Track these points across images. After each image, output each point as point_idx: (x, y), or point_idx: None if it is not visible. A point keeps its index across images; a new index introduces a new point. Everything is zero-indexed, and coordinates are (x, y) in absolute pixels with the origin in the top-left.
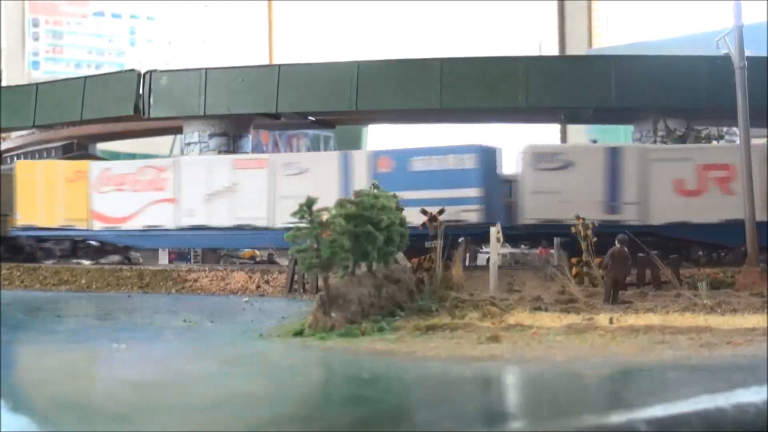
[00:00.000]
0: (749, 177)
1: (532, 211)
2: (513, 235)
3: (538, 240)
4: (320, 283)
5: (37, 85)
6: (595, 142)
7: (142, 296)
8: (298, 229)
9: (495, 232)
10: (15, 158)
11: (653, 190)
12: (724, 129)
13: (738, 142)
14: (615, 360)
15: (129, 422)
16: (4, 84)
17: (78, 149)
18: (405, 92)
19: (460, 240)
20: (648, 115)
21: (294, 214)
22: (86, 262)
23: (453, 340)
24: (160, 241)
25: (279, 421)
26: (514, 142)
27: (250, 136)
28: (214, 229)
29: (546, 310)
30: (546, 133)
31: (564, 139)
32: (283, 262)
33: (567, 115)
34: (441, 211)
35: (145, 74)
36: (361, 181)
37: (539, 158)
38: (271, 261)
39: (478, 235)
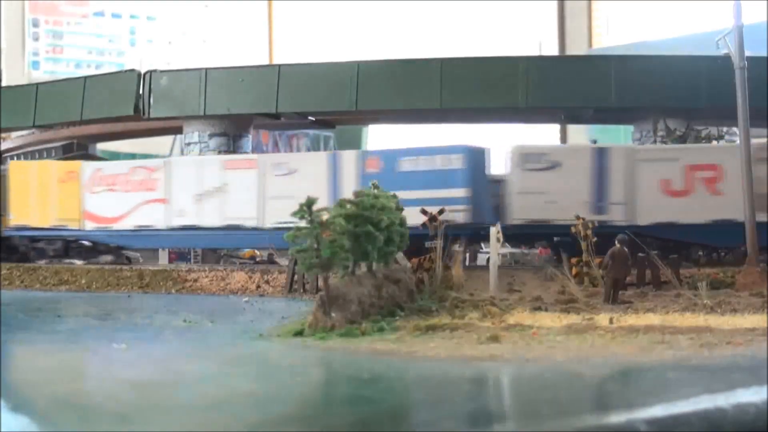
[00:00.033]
0: (749, 177)
1: (519, 211)
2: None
3: (525, 240)
4: (320, 283)
5: (37, 85)
6: (595, 142)
7: (142, 296)
8: (298, 229)
9: (495, 232)
10: (15, 158)
11: (640, 191)
12: (724, 129)
13: (738, 142)
14: (615, 360)
15: (129, 422)
16: (4, 84)
17: (78, 149)
18: (405, 92)
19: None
20: (648, 115)
21: (294, 214)
22: (78, 262)
23: (453, 340)
24: (151, 241)
25: (279, 421)
26: (504, 143)
27: (250, 136)
28: (204, 229)
29: (546, 310)
30: (546, 133)
31: (564, 139)
32: (283, 262)
33: (567, 115)
34: (441, 211)
35: (145, 74)
36: (349, 181)
37: (526, 158)
38: (271, 261)
39: (467, 235)
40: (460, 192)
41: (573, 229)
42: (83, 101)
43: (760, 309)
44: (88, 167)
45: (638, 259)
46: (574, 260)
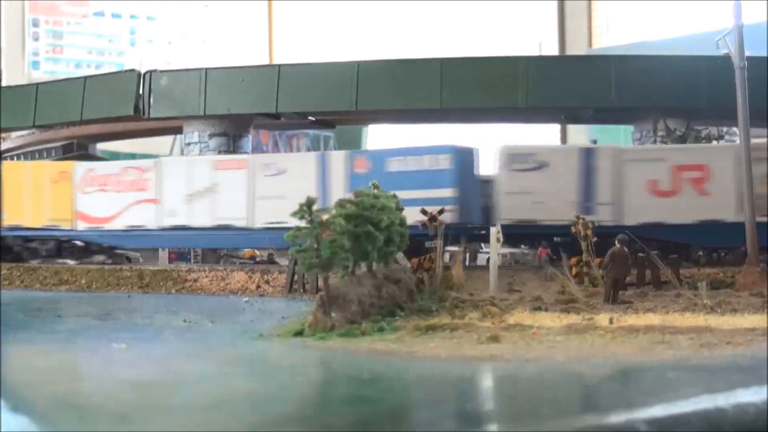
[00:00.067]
0: (749, 177)
1: (506, 211)
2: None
3: (512, 240)
4: (320, 283)
5: (37, 85)
6: (595, 142)
7: (142, 296)
8: (298, 229)
9: (495, 232)
10: (15, 158)
11: (627, 191)
12: (724, 129)
13: (738, 141)
14: (615, 360)
15: (129, 422)
16: (4, 84)
17: (78, 149)
18: (405, 92)
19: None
20: (648, 115)
21: (294, 214)
22: (71, 262)
23: (453, 340)
24: (142, 241)
25: (279, 421)
26: (493, 143)
27: (250, 136)
28: (195, 229)
29: (546, 310)
30: (546, 134)
31: (564, 139)
32: (283, 262)
33: (567, 115)
34: (441, 211)
35: (145, 74)
36: (338, 182)
37: (513, 159)
38: (271, 261)
39: (455, 235)
40: (447, 192)
41: (573, 229)
42: (83, 101)
43: (760, 309)
44: (80, 167)
45: (638, 259)
46: (574, 260)
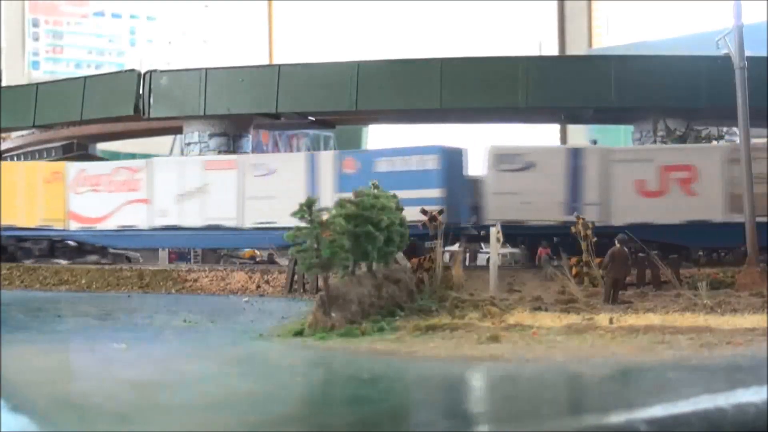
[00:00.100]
0: (749, 177)
1: (494, 211)
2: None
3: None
4: (320, 283)
5: (37, 85)
6: (595, 142)
7: (142, 296)
8: (298, 229)
9: (495, 232)
10: (15, 158)
11: (615, 191)
12: (724, 129)
13: (738, 141)
14: (615, 360)
15: (129, 422)
16: (4, 84)
17: (78, 149)
18: (405, 92)
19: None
20: (648, 115)
21: (294, 214)
22: (63, 262)
23: (453, 340)
24: (134, 241)
25: (279, 421)
26: (482, 143)
27: (250, 136)
28: (185, 229)
29: (546, 310)
30: (546, 134)
31: (564, 139)
32: (283, 262)
33: (567, 115)
34: (441, 211)
35: (145, 74)
36: (326, 182)
37: (501, 159)
38: (271, 261)
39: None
40: (435, 192)
41: (573, 229)
42: (83, 101)
43: (760, 309)
44: (72, 168)
45: (638, 259)
46: (574, 260)
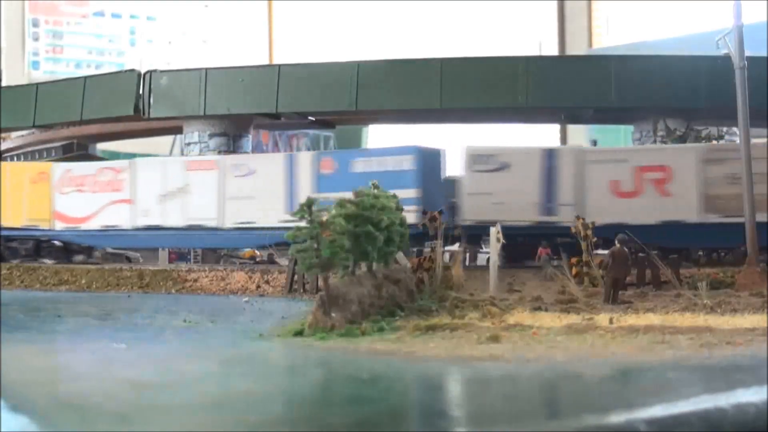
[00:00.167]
0: (749, 177)
1: (468, 212)
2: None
3: (476, 241)
4: (320, 283)
5: (37, 85)
6: (595, 142)
7: (142, 296)
8: (298, 229)
9: (495, 232)
10: (15, 158)
11: (589, 192)
12: (724, 129)
13: (738, 141)
14: (615, 360)
15: (129, 422)
16: (4, 84)
17: (78, 149)
18: (405, 92)
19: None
20: (648, 115)
21: (294, 214)
22: (49, 262)
23: (453, 340)
24: (117, 241)
25: (279, 421)
26: (459, 144)
27: (250, 136)
28: (168, 229)
29: (546, 310)
30: (546, 134)
31: (564, 139)
32: (283, 262)
33: (567, 115)
34: (441, 212)
35: (145, 74)
36: (305, 182)
37: (476, 160)
38: (271, 261)
39: (419, 235)
40: (411, 192)
41: (573, 229)
42: (83, 101)
43: (760, 309)
44: (58, 168)
45: (638, 259)
46: (574, 260)
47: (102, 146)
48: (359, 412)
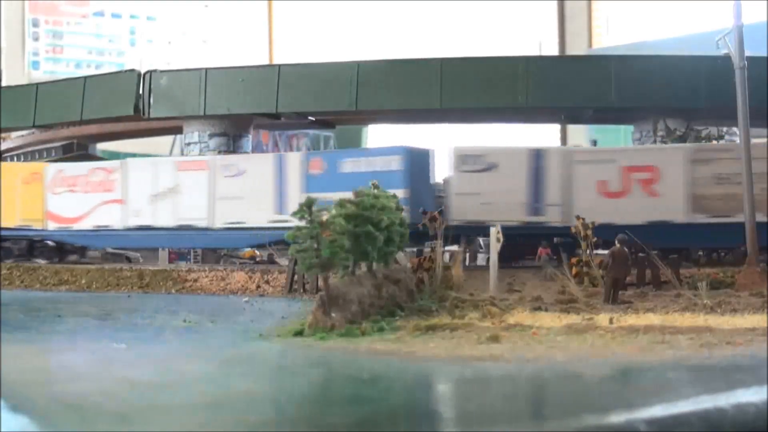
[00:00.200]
0: (749, 177)
1: (456, 212)
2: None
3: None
4: (320, 283)
5: (37, 85)
6: (595, 143)
7: (142, 296)
8: (298, 229)
9: (495, 232)
10: (15, 158)
11: (577, 192)
12: (724, 129)
13: (738, 141)
14: (615, 360)
15: (129, 422)
16: (4, 84)
17: (78, 149)
18: (405, 92)
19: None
20: (648, 115)
21: (294, 214)
22: (42, 261)
23: (453, 340)
24: (109, 241)
25: (279, 421)
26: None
27: (250, 136)
28: (159, 229)
29: (546, 310)
30: (546, 134)
31: (564, 139)
32: (283, 262)
33: (567, 115)
34: (441, 211)
35: (145, 74)
36: (294, 182)
37: (463, 160)
38: (271, 261)
39: (412, 234)
40: (399, 193)
41: (573, 229)
42: (83, 101)
43: (760, 309)
44: (50, 168)
45: (638, 259)
46: (574, 260)
47: (102, 146)
48: (359, 412)
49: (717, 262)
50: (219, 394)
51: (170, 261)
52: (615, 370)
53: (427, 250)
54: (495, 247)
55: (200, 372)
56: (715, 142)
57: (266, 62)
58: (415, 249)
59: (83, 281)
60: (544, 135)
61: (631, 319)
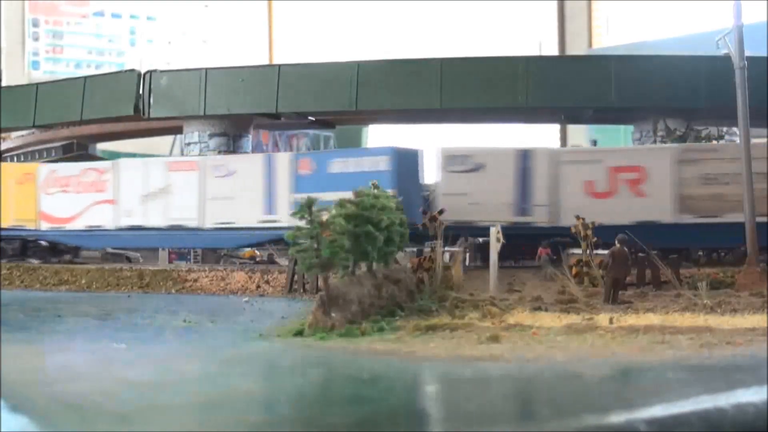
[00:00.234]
0: (749, 177)
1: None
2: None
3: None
4: (320, 283)
5: (37, 85)
6: (595, 142)
7: (142, 296)
8: (299, 229)
9: (495, 232)
10: (15, 158)
11: (564, 193)
12: (724, 129)
13: (738, 141)
14: (615, 360)
15: (129, 422)
16: (4, 84)
17: (78, 149)
18: (405, 92)
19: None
20: (648, 115)
21: (294, 214)
22: (35, 261)
23: (453, 340)
24: (101, 241)
25: (279, 421)
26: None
27: (250, 136)
28: (150, 229)
29: (546, 310)
30: (546, 134)
31: (564, 139)
32: (283, 262)
33: (567, 115)
34: (441, 211)
35: (145, 74)
36: (283, 182)
37: (451, 161)
38: (271, 261)
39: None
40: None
41: (573, 229)
42: (83, 101)
43: (760, 309)
44: (43, 169)
45: (638, 259)
46: (574, 260)
47: (102, 146)
48: (359, 412)
49: (717, 262)
50: (219, 394)
51: (170, 261)
52: (615, 370)
53: (427, 250)
54: (495, 247)
55: (200, 372)
56: (715, 142)
57: (266, 62)
58: (415, 249)
59: (83, 281)
60: (544, 135)
61: (631, 319)
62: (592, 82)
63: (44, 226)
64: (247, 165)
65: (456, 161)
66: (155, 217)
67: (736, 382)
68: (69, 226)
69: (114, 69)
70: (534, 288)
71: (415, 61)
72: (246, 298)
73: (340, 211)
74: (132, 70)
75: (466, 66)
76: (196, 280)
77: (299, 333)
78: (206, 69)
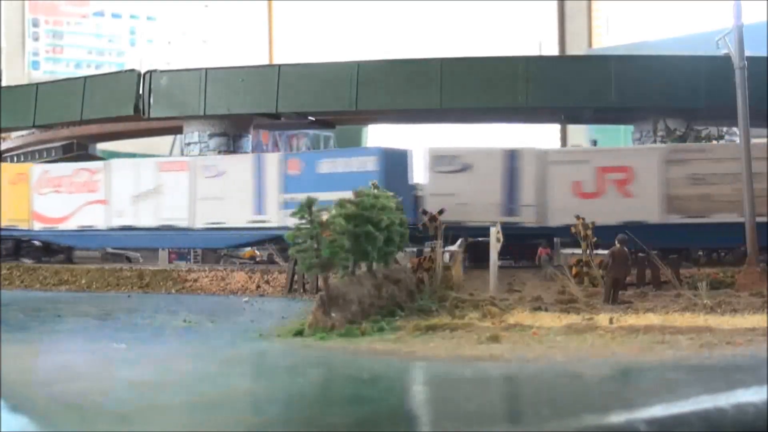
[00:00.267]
0: (749, 177)
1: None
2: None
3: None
4: (320, 283)
5: (37, 85)
6: (595, 142)
7: (142, 296)
8: (299, 228)
9: (495, 232)
10: (15, 158)
11: (551, 193)
12: (724, 129)
13: (738, 141)
14: (615, 360)
15: (129, 422)
16: (4, 84)
17: (78, 149)
18: (405, 92)
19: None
20: (648, 115)
21: (294, 214)
22: (28, 261)
23: (453, 340)
24: (93, 241)
25: (279, 421)
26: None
27: (250, 136)
28: (141, 229)
29: (546, 310)
30: (546, 134)
31: (564, 139)
32: (283, 262)
33: (567, 115)
34: (441, 211)
35: (145, 74)
36: (272, 182)
37: (438, 161)
38: (271, 261)
39: None
40: None
41: (573, 229)
42: (83, 101)
43: (760, 309)
44: (36, 169)
45: (638, 259)
46: (574, 260)
47: (102, 146)
48: (359, 412)
49: (717, 262)
50: (219, 394)
51: (170, 261)
52: (615, 370)
53: (427, 250)
54: (495, 247)
55: (200, 372)
56: (715, 142)
57: (266, 62)
58: (415, 249)
59: (83, 281)
60: (545, 135)
61: (631, 319)
62: (592, 82)
63: (37, 226)
64: (237, 165)
65: (443, 161)
66: (146, 218)
67: (736, 382)
68: (61, 226)
69: (114, 69)
70: (534, 288)
71: (415, 61)
72: (246, 298)
73: (340, 211)
74: (132, 70)
75: (466, 66)
76: (196, 280)
77: (299, 333)
78: (206, 69)
